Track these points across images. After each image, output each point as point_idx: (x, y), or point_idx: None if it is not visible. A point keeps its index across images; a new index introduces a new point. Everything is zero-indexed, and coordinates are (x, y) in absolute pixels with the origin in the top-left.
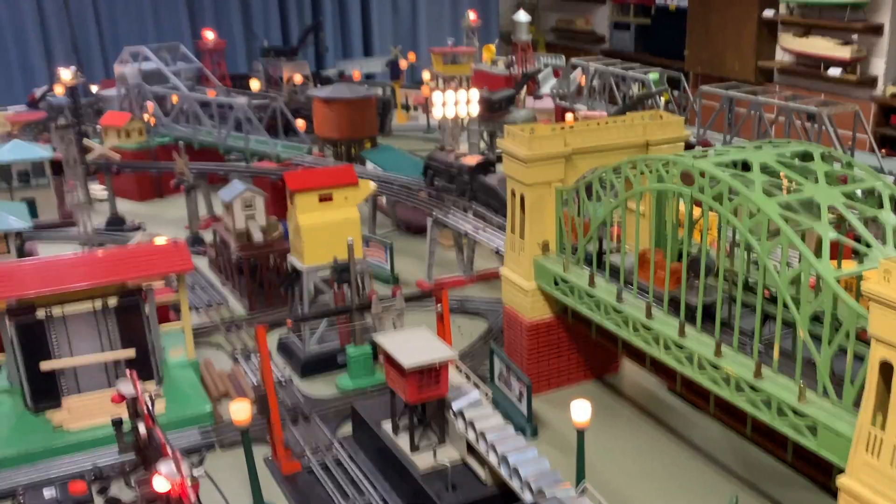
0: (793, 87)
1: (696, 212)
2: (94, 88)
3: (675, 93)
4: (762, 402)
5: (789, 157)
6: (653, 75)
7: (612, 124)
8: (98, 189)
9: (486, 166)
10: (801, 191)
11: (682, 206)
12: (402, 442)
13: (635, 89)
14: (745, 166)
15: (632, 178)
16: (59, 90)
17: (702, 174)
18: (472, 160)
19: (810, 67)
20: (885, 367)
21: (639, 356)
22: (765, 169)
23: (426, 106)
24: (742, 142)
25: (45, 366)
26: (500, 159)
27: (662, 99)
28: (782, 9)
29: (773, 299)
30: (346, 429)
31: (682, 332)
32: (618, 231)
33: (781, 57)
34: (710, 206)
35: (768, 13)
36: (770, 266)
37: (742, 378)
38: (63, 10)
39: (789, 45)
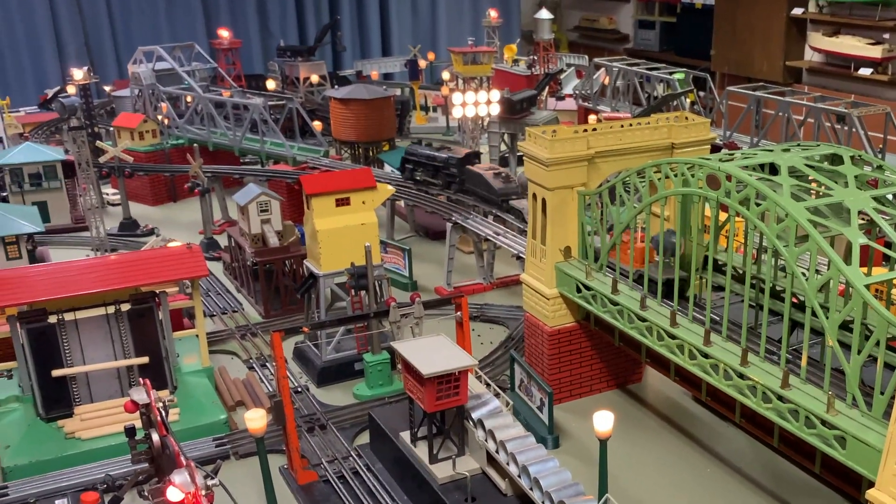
0: (822, 88)
1: (722, 216)
2: (106, 89)
3: (701, 93)
4: (790, 413)
5: (818, 160)
6: (678, 75)
7: (636, 126)
8: (111, 192)
9: (473, 157)
10: (831, 195)
11: (707, 211)
12: (421, 452)
13: (660, 90)
14: (773, 169)
15: (656, 181)
16: (71, 90)
17: (728, 178)
18: (459, 152)
19: (840, 67)
20: None
21: (663, 365)
22: (793, 172)
23: (446, 107)
24: (770, 144)
25: (57, 373)
26: (521, 161)
27: (688, 100)
28: (811, 7)
29: (801, 306)
30: (364, 438)
31: (707, 341)
32: (642, 237)
33: (810, 56)
34: (736, 210)
35: (797, 11)
36: (798, 272)
37: (769, 388)
38: (76, 9)
39: (818, 44)
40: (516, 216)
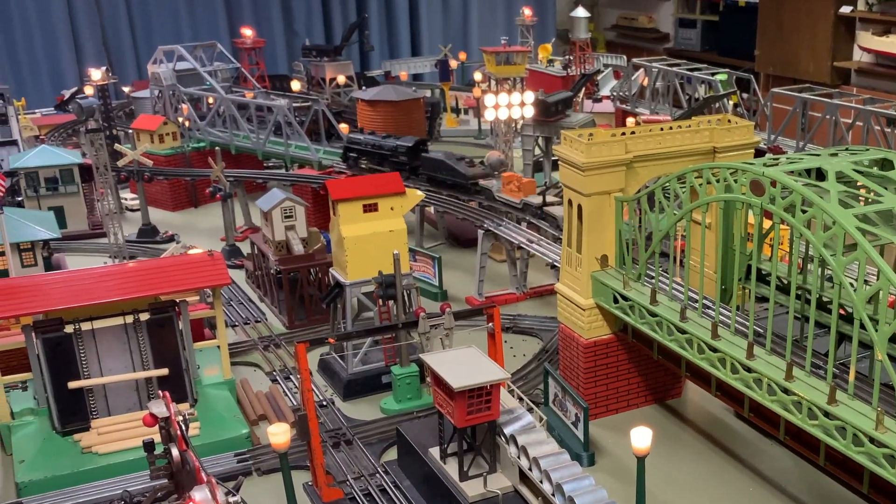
0: (871, 90)
1: (766, 224)
2: (125, 90)
3: (745, 95)
4: (836, 430)
5: (867, 166)
6: (720, 76)
7: (676, 129)
8: (129, 197)
9: (422, 144)
10: (881, 201)
11: (751, 218)
12: (451, 468)
13: (702, 91)
14: (820, 175)
15: (697, 187)
16: (88, 91)
17: (773, 183)
18: (408, 139)
19: (890, 68)
20: None
21: (704, 379)
22: (841, 178)
23: (477, 109)
24: (816, 148)
25: (74, 385)
26: (556, 166)
27: (731, 102)
28: (860, 5)
29: (848, 318)
30: (391, 454)
31: (750, 354)
32: (682, 245)
33: (859, 57)
34: (781, 217)
35: (845, 10)
36: (846, 282)
37: (815, 403)
38: (94, 7)
39: (868, 43)
40: (550, 223)
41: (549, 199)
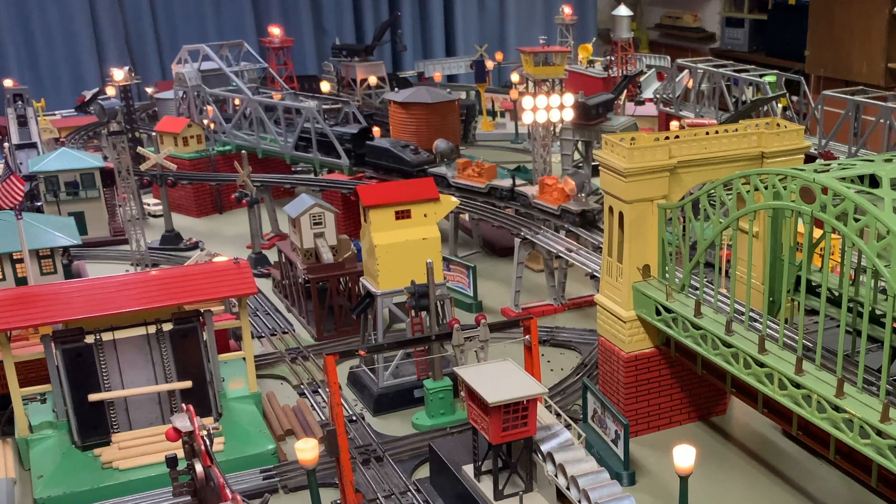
0: None
1: (817, 233)
2: (148, 91)
3: (794, 98)
4: (890, 450)
5: None
6: (769, 78)
7: (722, 134)
8: (152, 202)
9: (368, 132)
10: None
11: (800, 227)
12: (485, 487)
13: (749, 94)
14: (874, 181)
15: (744, 194)
16: (110, 92)
17: (824, 190)
18: (353, 126)
19: None
20: None
21: (750, 395)
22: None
23: (514, 112)
24: (869, 154)
25: (94, 397)
26: (596, 171)
27: (780, 105)
28: None
29: None
30: (423, 472)
31: (799, 370)
32: (728, 254)
33: None
34: (832, 226)
35: None
36: None
37: (867, 421)
38: (116, 4)
39: None
40: (591, 230)
41: (518, 182)
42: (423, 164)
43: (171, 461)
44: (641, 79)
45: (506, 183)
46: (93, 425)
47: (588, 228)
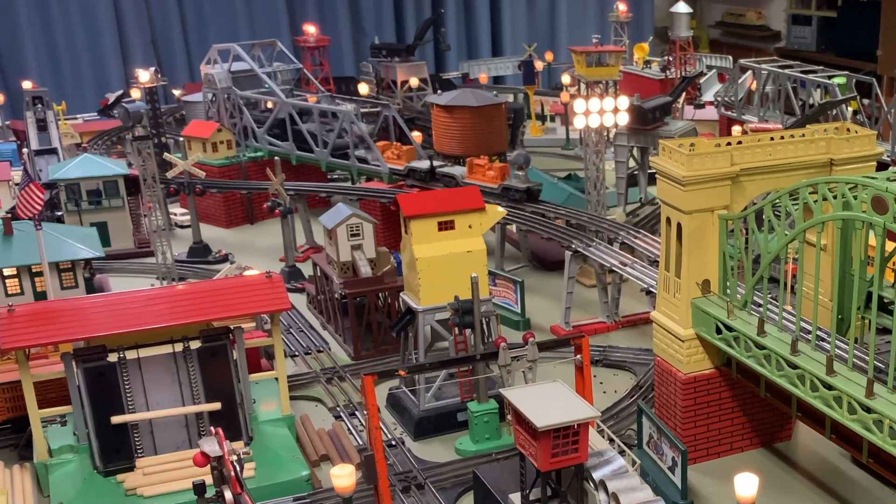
0: None
1: (890, 245)
2: (176, 93)
3: (866, 101)
4: None
5: None
6: (838, 80)
7: (788, 139)
8: (179, 212)
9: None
10: None
11: (872, 239)
12: None
13: (817, 97)
14: None
15: (812, 204)
16: (135, 95)
17: None
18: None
19: None
20: None
21: (817, 420)
22: None
23: (565, 116)
24: None
25: (117, 419)
26: (653, 179)
27: (850, 108)
28: None
29: None
30: (467, 500)
31: (870, 392)
32: (794, 269)
33: None
34: None
35: None
36: None
37: None
38: (142, 2)
39: None
40: (646, 242)
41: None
42: (342, 148)
43: (199, 488)
44: (701, 80)
45: (423, 164)
46: (116, 449)
47: (533, 203)
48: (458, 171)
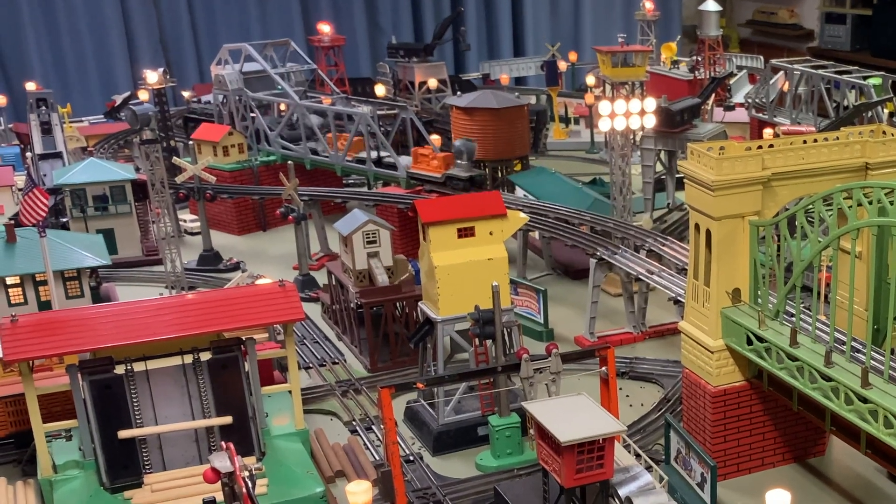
0: None
1: None
2: (185, 95)
3: None
4: None
5: None
6: (874, 80)
7: (821, 142)
8: (189, 219)
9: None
10: None
11: None
12: None
13: (851, 98)
14: None
15: (846, 209)
16: (143, 96)
17: None
18: (463, 170)
19: None
20: None
21: (852, 434)
22: None
23: (590, 118)
24: None
25: (125, 434)
26: (681, 184)
27: (886, 110)
28: None
29: None
30: None
31: None
32: (827, 277)
33: None
34: None
35: None
36: None
37: None
38: (150, 1)
39: None
40: (673, 248)
41: None
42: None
43: None
44: (731, 81)
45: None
46: (123, 465)
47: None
48: (403, 160)
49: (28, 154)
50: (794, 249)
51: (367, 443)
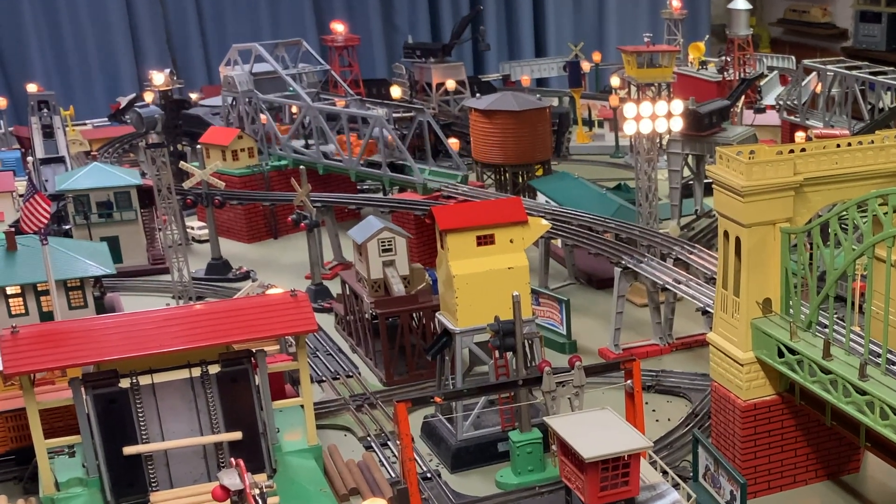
0: None
1: None
2: (193, 96)
3: None
4: None
5: None
6: None
7: (856, 146)
8: (197, 226)
9: (183, 103)
10: None
11: None
12: None
13: (887, 100)
14: None
15: (882, 216)
16: (149, 98)
17: None
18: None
19: None
20: None
21: (888, 451)
22: None
23: (614, 121)
24: None
25: (130, 450)
26: (709, 190)
27: None
28: None
29: None
30: None
31: None
32: (862, 286)
33: None
34: None
35: None
36: None
37: None
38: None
39: None
40: (701, 256)
41: None
42: None
43: None
44: (762, 83)
45: None
46: (128, 482)
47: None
48: (330, 147)
49: (29, 158)
50: (828, 258)
51: (383, 459)
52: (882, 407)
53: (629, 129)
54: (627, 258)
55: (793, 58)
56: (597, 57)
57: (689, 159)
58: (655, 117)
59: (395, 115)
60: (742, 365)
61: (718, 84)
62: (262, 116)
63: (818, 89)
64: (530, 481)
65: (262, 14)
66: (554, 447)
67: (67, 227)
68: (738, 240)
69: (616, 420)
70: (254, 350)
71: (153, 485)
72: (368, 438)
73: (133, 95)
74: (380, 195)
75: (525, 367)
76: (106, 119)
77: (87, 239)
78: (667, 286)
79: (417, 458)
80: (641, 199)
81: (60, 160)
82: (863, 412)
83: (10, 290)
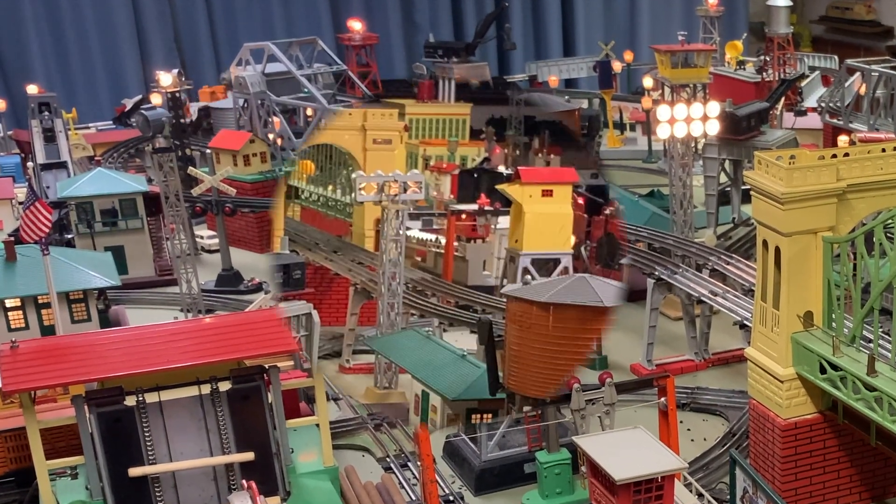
0: None
1: None
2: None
3: None
4: None
5: None
6: None
7: None
8: (206, 235)
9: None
10: None
11: None
12: None
13: None
14: None
15: None
16: (156, 100)
17: None
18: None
19: None
20: None
21: None
22: None
23: (647, 124)
24: None
25: (136, 472)
26: (747, 196)
27: None
28: None
29: None
30: None
31: None
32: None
33: None
34: None
35: None
36: None
37: None
38: None
39: None
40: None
41: None
42: None
43: None
44: (803, 84)
45: None
46: None
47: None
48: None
49: (29, 164)
50: (872, 269)
51: (403, 481)
52: None
53: (663, 132)
54: (661, 269)
55: (835, 57)
56: (628, 56)
57: (726, 165)
58: (690, 120)
59: None
60: (782, 381)
61: (757, 85)
62: (275, 119)
63: (862, 90)
64: None
65: (275, 11)
66: (583, 468)
67: (70, 236)
68: (777, 249)
69: (649, 440)
70: (266, 366)
71: None
72: (388, 459)
73: (139, 97)
74: None
75: None
76: (110, 122)
77: (91, 249)
78: (702, 298)
79: (439, 480)
80: (676, 207)
81: (62, 166)
82: None
83: (9, 303)
